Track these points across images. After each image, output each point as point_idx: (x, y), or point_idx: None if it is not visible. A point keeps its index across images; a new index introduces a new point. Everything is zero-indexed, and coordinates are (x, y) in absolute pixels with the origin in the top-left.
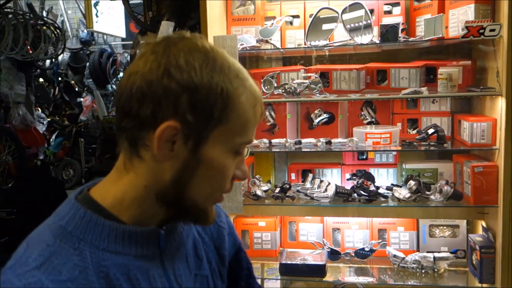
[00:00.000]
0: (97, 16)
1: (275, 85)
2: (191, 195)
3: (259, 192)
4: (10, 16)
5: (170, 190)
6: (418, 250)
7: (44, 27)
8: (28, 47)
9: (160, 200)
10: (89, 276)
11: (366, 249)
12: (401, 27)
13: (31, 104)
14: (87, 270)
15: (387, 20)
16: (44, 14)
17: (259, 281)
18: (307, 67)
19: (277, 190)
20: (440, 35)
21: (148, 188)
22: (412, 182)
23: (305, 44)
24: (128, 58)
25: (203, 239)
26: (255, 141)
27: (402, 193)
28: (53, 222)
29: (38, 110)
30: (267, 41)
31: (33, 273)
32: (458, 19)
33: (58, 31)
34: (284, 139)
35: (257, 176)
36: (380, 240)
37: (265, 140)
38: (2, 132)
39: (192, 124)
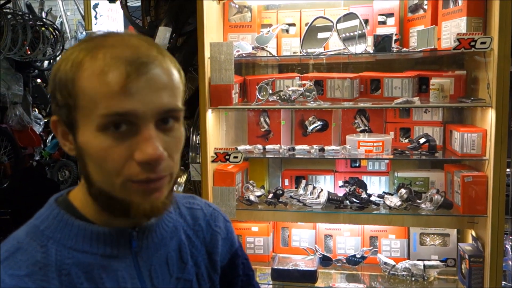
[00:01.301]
0: (96, 18)
1: (270, 92)
2: (98, 186)
3: (252, 198)
4: (9, 16)
5: (86, 184)
6: (408, 258)
7: (43, 28)
8: (27, 47)
9: (90, 197)
10: (49, 273)
11: (358, 256)
12: (394, 37)
13: (28, 105)
14: (49, 267)
15: (381, 31)
16: (43, 15)
17: None
18: (302, 75)
19: (270, 195)
20: (433, 47)
21: (90, 191)
22: (403, 191)
23: (300, 52)
24: None
25: (192, 243)
26: (249, 147)
27: (393, 201)
28: (30, 222)
29: (35, 111)
30: (263, 49)
31: None
32: (451, 31)
33: (57, 32)
34: (278, 145)
35: (251, 182)
36: (371, 247)
37: (259, 146)
38: None
39: (62, 117)
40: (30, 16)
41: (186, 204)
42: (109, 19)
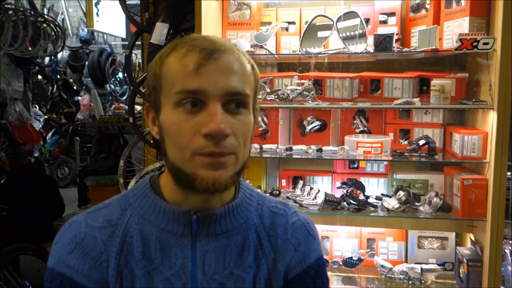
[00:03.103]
0: (97, 15)
1: (268, 90)
2: (172, 161)
3: None
4: (10, 12)
5: (165, 161)
6: (406, 261)
7: (44, 25)
8: (27, 43)
9: (169, 175)
10: (117, 231)
11: (354, 258)
12: (395, 37)
13: (28, 101)
14: (118, 226)
15: (382, 30)
16: (45, 11)
17: None
18: (301, 74)
19: None
20: (434, 47)
21: (167, 167)
22: (401, 193)
23: (299, 51)
24: None
25: (261, 245)
26: None
27: (391, 203)
28: (128, 190)
29: (35, 107)
30: (261, 47)
31: (83, 214)
32: (453, 31)
33: (58, 29)
34: (276, 145)
35: (248, 181)
36: (368, 250)
37: (256, 146)
38: None
39: (151, 102)
40: (32, 12)
41: (272, 208)
42: (111, 16)
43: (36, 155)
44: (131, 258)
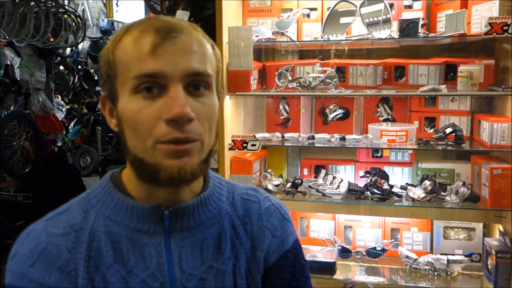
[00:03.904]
0: (117, 5)
1: (290, 78)
2: (133, 152)
3: (270, 186)
4: (32, 3)
5: (125, 154)
6: (431, 252)
7: (65, 15)
8: (49, 34)
9: (130, 168)
10: (82, 236)
11: (378, 248)
12: (421, 22)
13: (51, 91)
14: (83, 231)
15: (407, 15)
16: (66, 2)
17: None
18: (323, 61)
19: (289, 185)
20: (462, 32)
21: (128, 161)
22: (427, 182)
23: (321, 37)
24: None
25: (237, 234)
26: (267, 135)
27: (417, 193)
28: (87, 190)
29: (58, 98)
30: (283, 34)
31: (41, 222)
32: (481, 15)
33: (78, 19)
34: (298, 133)
35: (269, 170)
36: (392, 240)
37: (278, 134)
38: (21, 118)
39: (107, 91)
40: (53, 4)
41: (243, 195)
42: (130, 6)
43: (59, 144)
44: (102, 264)
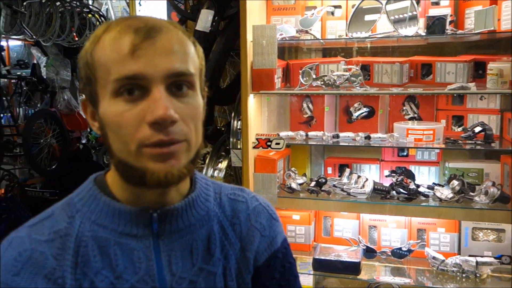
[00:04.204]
0: (140, 4)
1: (314, 76)
2: (117, 156)
3: (294, 185)
4: (58, 3)
5: (110, 158)
6: (459, 253)
7: (90, 15)
8: (74, 34)
9: (116, 172)
10: (67, 242)
11: (404, 248)
12: (449, 19)
13: (76, 90)
14: (69, 236)
15: (434, 12)
16: (90, 1)
17: None
18: (348, 59)
19: (313, 183)
20: (492, 28)
21: (113, 164)
22: (455, 182)
23: (346, 35)
24: None
25: (226, 235)
26: (291, 133)
27: (444, 193)
28: (70, 195)
29: (82, 96)
30: (307, 32)
31: (24, 229)
32: None
33: (102, 18)
34: (322, 132)
35: (293, 169)
36: (418, 241)
37: (302, 133)
38: (48, 116)
39: (88, 95)
40: (77, 3)
41: (230, 195)
42: (152, 5)
43: (83, 142)
44: (89, 270)
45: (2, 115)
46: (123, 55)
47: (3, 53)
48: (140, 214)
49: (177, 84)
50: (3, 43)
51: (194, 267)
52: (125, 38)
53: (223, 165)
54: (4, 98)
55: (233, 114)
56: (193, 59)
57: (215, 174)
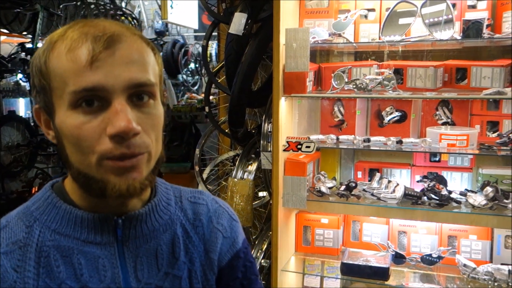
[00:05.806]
0: (171, 7)
1: (346, 80)
2: (76, 167)
3: (323, 189)
4: (92, 6)
5: (68, 168)
6: (491, 261)
7: (123, 17)
8: None
9: (77, 183)
10: (28, 253)
11: (434, 255)
12: (486, 22)
13: None
14: (29, 247)
15: (470, 15)
16: (123, 5)
17: (318, 278)
18: (380, 63)
19: (342, 187)
20: None
21: (71, 175)
22: (489, 189)
23: (379, 38)
24: (200, 49)
25: (190, 238)
26: (321, 137)
27: (478, 199)
28: (25, 203)
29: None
30: (339, 35)
31: None
32: None
33: (135, 21)
34: (353, 136)
35: (322, 172)
36: (449, 247)
37: (333, 136)
38: None
39: (41, 103)
40: (111, 6)
41: (190, 199)
42: (184, 8)
43: None
44: (52, 281)
45: None
46: (81, 66)
47: None
48: (104, 221)
49: (138, 94)
50: (40, 44)
51: (159, 272)
52: (83, 48)
53: (252, 167)
54: None
55: (264, 117)
56: (153, 67)
57: (245, 176)
